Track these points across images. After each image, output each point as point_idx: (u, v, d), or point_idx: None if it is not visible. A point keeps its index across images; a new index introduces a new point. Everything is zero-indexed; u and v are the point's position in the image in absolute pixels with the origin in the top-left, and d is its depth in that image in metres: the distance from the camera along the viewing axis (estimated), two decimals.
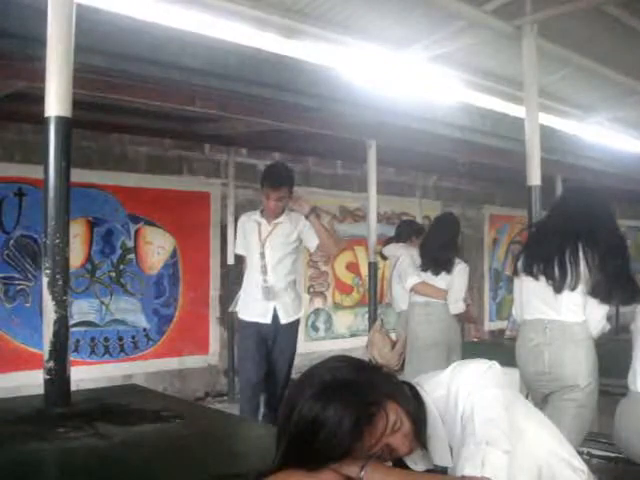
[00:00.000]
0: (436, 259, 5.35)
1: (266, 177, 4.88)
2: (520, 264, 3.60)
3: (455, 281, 5.30)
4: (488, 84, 7.29)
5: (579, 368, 3.36)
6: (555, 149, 7.30)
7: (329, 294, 8.66)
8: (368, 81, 5.77)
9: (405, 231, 6.28)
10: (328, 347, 8.16)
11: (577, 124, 8.97)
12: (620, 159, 9.05)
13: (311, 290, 8.46)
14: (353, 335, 8.77)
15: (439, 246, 5.38)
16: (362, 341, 6.90)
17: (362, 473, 1.53)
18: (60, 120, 2.66)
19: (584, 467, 1.89)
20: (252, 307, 4.94)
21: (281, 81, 5.00)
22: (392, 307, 6.52)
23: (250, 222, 4.97)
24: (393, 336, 6.06)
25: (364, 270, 8.19)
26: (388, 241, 6.43)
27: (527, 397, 3.82)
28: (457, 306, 5.32)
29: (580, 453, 3.52)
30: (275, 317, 4.84)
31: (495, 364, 1.73)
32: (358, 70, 5.99)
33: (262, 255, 4.84)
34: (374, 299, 6.49)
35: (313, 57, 5.64)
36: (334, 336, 8.67)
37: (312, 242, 4.96)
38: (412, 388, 1.74)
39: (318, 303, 8.53)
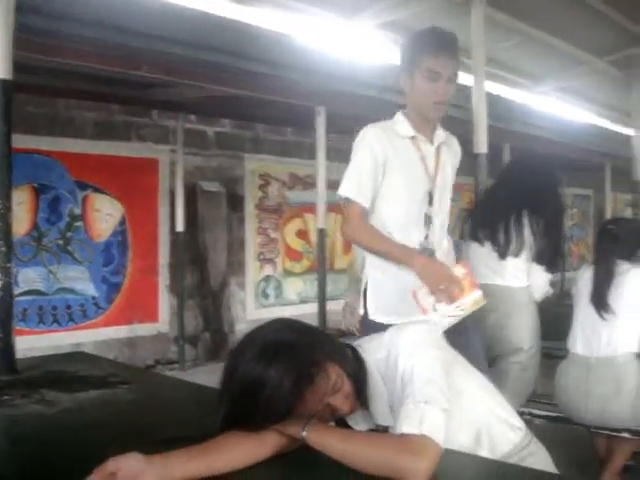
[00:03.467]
0: None
1: (432, 39, 2.70)
2: (466, 230, 3.67)
3: None
4: None
5: (522, 332, 3.44)
6: (503, 117, 7.39)
7: (279, 261, 8.69)
8: (318, 48, 5.74)
9: None
10: (278, 314, 8.17)
11: (526, 93, 9.07)
12: (568, 128, 9.19)
13: (261, 257, 8.47)
14: (303, 302, 8.82)
15: None
16: (312, 307, 6.96)
17: (304, 433, 1.57)
18: (1, 83, 2.60)
19: (522, 425, 1.95)
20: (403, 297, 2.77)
21: (230, 46, 4.95)
22: (352, 272, 6.46)
23: (395, 140, 2.76)
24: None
25: (314, 237, 8.22)
26: None
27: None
28: None
29: (523, 413, 3.66)
30: None
31: (434, 326, 1.77)
32: (308, 37, 5.95)
33: (430, 198, 2.82)
34: (323, 266, 6.51)
35: (263, 23, 5.59)
36: (284, 303, 8.72)
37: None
38: (354, 350, 1.78)
39: (268, 270, 8.56)
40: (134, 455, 1.46)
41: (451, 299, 2.54)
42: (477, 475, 1.67)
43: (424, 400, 1.54)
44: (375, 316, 2.76)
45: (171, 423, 2.03)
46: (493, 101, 6.68)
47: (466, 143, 5.13)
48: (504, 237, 3.43)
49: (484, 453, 1.80)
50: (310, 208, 8.21)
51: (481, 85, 4.89)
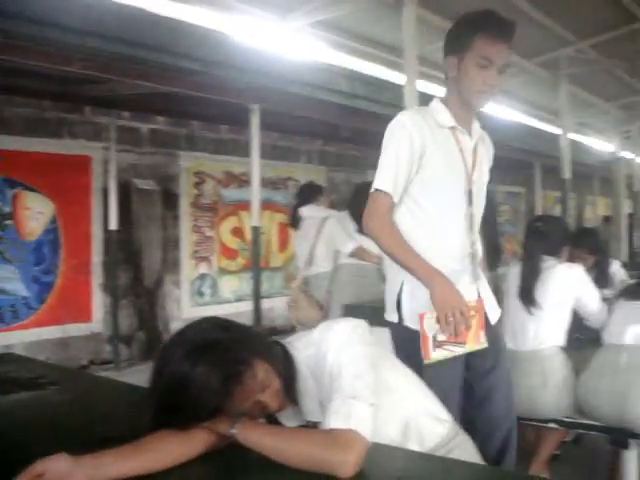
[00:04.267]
0: None
1: (490, 23, 2.45)
2: None
3: None
4: (371, 51, 7.40)
5: None
6: None
7: (214, 259, 8.65)
8: (252, 46, 5.74)
9: (309, 193, 6.15)
10: (214, 312, 8.14)
11: None
12: (500, 128, 9.35)
13: (196, 255, 8.42)
14: (239, 300, 8.80)
15: None
16: (248, 305, 6.94)
17: (233, 430, 1.58)
18: None
19: (449, 418, 2.00)
20: None
21: (165, 44, 4.92)
22: (292, 269, 6.40)
23: (436, 129, 2.50)
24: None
25: (249, 235, 8.21)
26: (299, 204, 6.27)
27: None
28: None
29: None
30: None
31: (362, 322, 1.80)
32: (242, 34, 5.95)
33: (469, 195, 2.55)
34: (258, 264, 6.51)
35: (197, 20, 5.56)
36: (220, 301, 8.69)
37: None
38: (283, 347, 1.80)
39: (203, 268, 8.51)
40: (62, 456, 1.46)
41: (455, 334, 2.31)
42: (405, 468, 1.69)
43: (352, 395, 1.57)
44: (411, 323, 2.47)
45: (102, 423, 2.02)
46: (426, 100, 6.77)
47: None
48: None
49: (412, 446, 1.84)
50: (246, 206, 8.17)
51: (413, 84, 4.97)
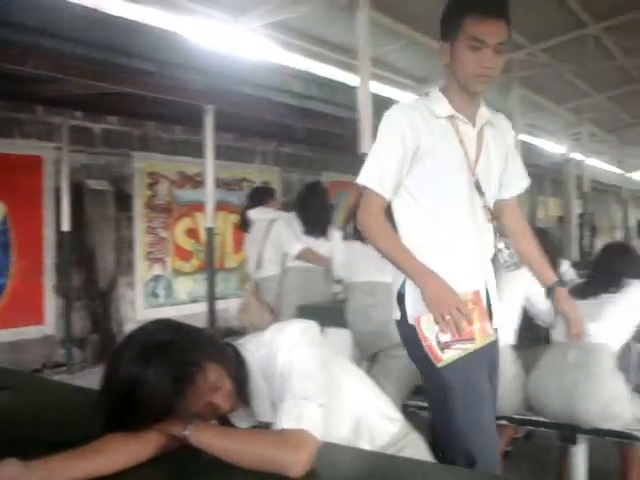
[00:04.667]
0: (316, 223, 5.31)
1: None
2: (350, 229, 3.75)
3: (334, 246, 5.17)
4: (325, 53, 7.43)
5: None
6: None
7: (168, 260, 8.60)
8: (206, 47, 5.74)
9: (260, 196, 6.14)
10: (168, 313, 8.06)
11: (412, 95, 9.32)
12: None
13: (150, 257, 8.36)
14: (194, 301, 8.76)
15: (318, 211, 5.35)
16: (203, 307, 6.91)
17: (186, 432, 1.59)
18: None
19: (399, 417, 2.04)
20: None
21: (118, 44, 4.90)
22: (244, 271, 6.37)
23: (431, 120, 2.34)
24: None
25: (204, 236, 8.17)
26: (248, 207, 6.26)
27: (359, 356, 4.02)
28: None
29: (408, 406, 3.77)
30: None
31: (312, 324, 1.82)
32: (196, 35, 5.94)
33: (477, 187, 2.40)
34: (212, 265, 6.49)
35: (151, 21, 5.54)
36: (174, 302, 8.64)
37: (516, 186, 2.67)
38: (234, 349, 1.81)
39: (157, 270, 8.45)
40: (11, 461, 1.45)
41: (458, 331, 2.18)
42: (356, 466, 1.72)
43: (303, 396, 1.59)
44: (414, 319, 2.35)
45: (54, 427, 2.01)
46: (380, 102, 6.83)
47: (353, 143, 5.28)
48: None
49: (363, 445, 1.87)
50: (200, 207, 8.10)
51: (366, 86, 5.01)
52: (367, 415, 1.92)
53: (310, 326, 1.80)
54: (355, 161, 5.00)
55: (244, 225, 6.05)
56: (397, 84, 9.02)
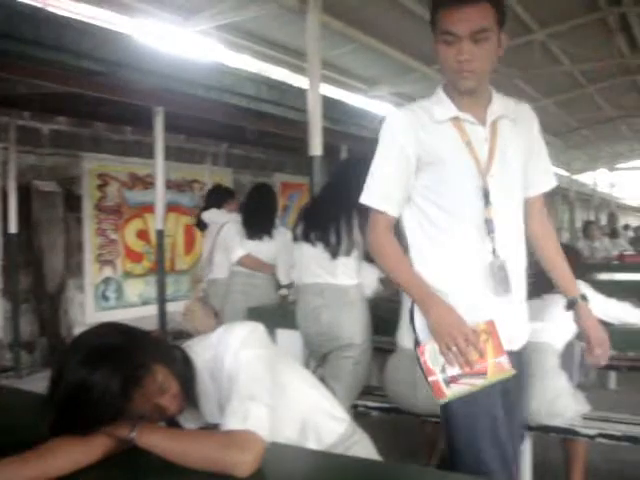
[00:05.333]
0: (259, 225, 5.27)
1: None
2: (299, 231, 3.77)
3: (280, 248, 5.13)
4: (276, 55, 7.46)
5: (354, 328, 3.59)
6: (341, 120, 7.60)
7: (119, 262, 8.52)
8: (156, 48, 5.71)
9: (216, 197, 6.13)
10: (119, 316, 8.04)
11: (362, 97, 9.43)
12: None
13: (100, 259, 8.27)
14: (145, 303, 8.69)
15: (261, 213, 5.31)
16: (154, 309, 6.87)
17: (133, 434, 1.60)
18: None
19: (346, 417, 2.06)
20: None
21: (66, 43, 4.84)
22: (196, 273, 6.35)
23: (431, 125, 2.16)
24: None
25: (154, 238, 8.10)
26: (204, 208, 6.23)
27: (309, 356, 4.04)
28: (289, 276, 4.94)
29: (358, 406, 3.80)
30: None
31: (259, 326, 1.84)
32: (147, 36, 5.92)
33: (485, 195, 2.13)
34: (162, 267, 6.45)
35: (101, 21, 5.50)
36: (125, 305, 8.56)
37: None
38: (182, 351, 1.83)
39: (108, 272, 8.36)
40: None
41: (467, 364, 1.97)
42: (304, 466, 1.74)
43: (248, 397, 1.61)
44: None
45: (1, 432, 1.99)
46: (331, 104, 6.89)
47: (304, 145, 5.31)
48: (335, 237, 3.55)
49: (310, 444, 1.90)
50: (151, 208, 8.03)
51: (316, 88, 5.04)
52: (314, 415, 1.94)
53: (257, 328, 1.82)
54: (306, 163, 5.05)
55: (200, 226, 6.05)
56: (348, 86, 9.12)
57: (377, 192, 2.18)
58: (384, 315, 3.81)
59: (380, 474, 1.69)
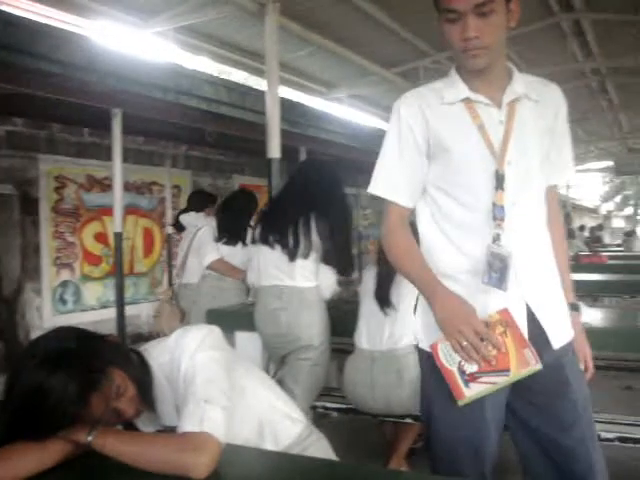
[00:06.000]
0: (231, 230, 5.31)
1: None
2: (257, 234, 3.78)
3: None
4: (235, 57, 7.46)
5: (313, 329, 3.61)
6: (299, 122, 7.63)
7: (77, 265, 8.43)
8: (114, 49, 5.67)
9: (198, 200, 6.11)
10: (77, 319, 7.95)
11: (321, 99, 9.47)
12: (360, 133, 9.63)
13: (58, 262, 8.18)
14: (104, 306, 8.60)
15: (233, 218, 5.34)
16: (113, 312, 6.82)
17: (89, 438, 1.60)
18: None
19: (302, 418, 2.09)
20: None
21: (23, 45, 4.78)
22: (150, 277, 6.35)
23: (442, 107, 2.01)
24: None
25: (113, 240, 8.04)
26: (183, 211, 6.21)
27: (268, 359, 4.06)
28: None
29: (317, 407, 3.83)
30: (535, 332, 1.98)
31: (215, 328, 1.86)
32: (104, 38, 5.88)
33: (499, 180, 1.95)
34: (121, 270, 6.40)
35: (58, 22, 5.45)
36: (83, 308, 8.46)
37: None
38: (139, 354, 1.83)
39: (65, 275, 8.26)
40: None
41: (484, 360, 1.80)
42: (260, 467, 1.75)
43: (205, 399, 1.63)
44: (424, 344, 2.05)
45: None
46: (289, 106, 6.91)
47: (263, 147, 5.32)
48: (293, 240, 3.57)
49: (268, 446, 1.92)
50: (109, 211, 7.96)
51: (274, 91, 5.05)
52: (270, 417, 1.96)
53: (213, 330, 1.83)
54: (265, 165, 5.06)
55: (178, 227, 6.05)
56: (306, 89, 9.15)
57: (383, 181, 2.07)
58: (343, 316, 3.86)
59: (336, 474, 1.71)
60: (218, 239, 5.30)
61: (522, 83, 2.00)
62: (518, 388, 1.95)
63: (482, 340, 1.78)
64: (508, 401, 2.02)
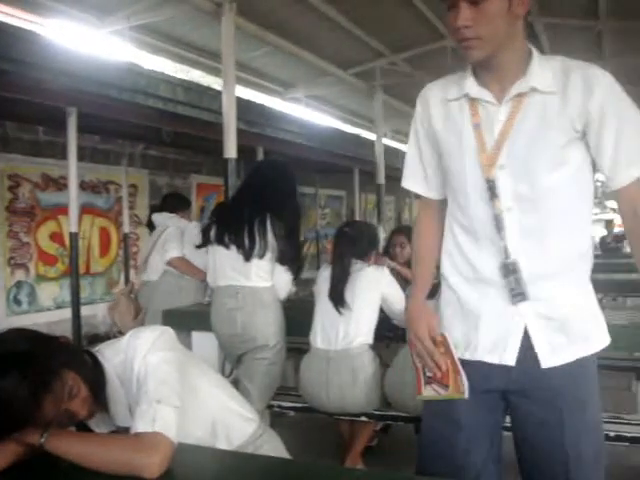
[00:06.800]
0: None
1: None
2: (212, 234, 3.79)
3: None
4: (192, 56, 7.44)
5: (269, 329, 3.63)
6: (256, 122, 7.64)
7: (32, 266, 8.32)
8: (69, 47, 5.63)
9: (172, 202, 6.04)
10: (32, 320, 7.84)
11: (278, 99, 9.49)
12: (317, 133, 9.67)
13: (12, 262, 8.08)
14: (59, 307, 8.50)
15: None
16: (69, 312, 6.75)
17: (42, 439, 1.60)
18: None
19: (255, 417, 2.11)
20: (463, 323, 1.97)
21: None
22: (107, 277, 6.30)
23: (442, 104, 1.93)
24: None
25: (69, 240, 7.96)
26: (153, 210, 6.14)
27: (224, 358, 4.08)
28: None
29: (273, 406, 3.85)
30: (528, 352, 1.83)
31: (168, 329, 1.87)
32: (59, 36, 5.83)
33: (491, 187, 1.82)
34: (76, 270, 6.34)
35: (10, 19, 5.39)
36: (39, 309, 8.36)
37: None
38: (92, 355, 1.84)
39: (20, 275, 8.16)
40: None
41: (432, 369, 1.90)
42: (213, 466, 1.78)
43: (157, 399, 1.64)
44: None
45: None
46: (246, 106, 6.91)
47: (220, 146, 5.32)
48: (249, 240, 3.59)
49: (221, 445, 1.94)
50: (65, 210, 7.85)
51: (231, 90, 5.07)
52: (223, 416, 1.98)
53: (165, 331, 1.85)
54: (222, 164, 5.07)
55: (150, 226, 6.02)
56: (264, 89, 9.16)
57: (405, 172, 2.07)
58: (298, 316, 3.89)
59: (290, 472, 1.73)
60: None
61: (541, 74, 1.77)
62: (518, 394, 1.87)
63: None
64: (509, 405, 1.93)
